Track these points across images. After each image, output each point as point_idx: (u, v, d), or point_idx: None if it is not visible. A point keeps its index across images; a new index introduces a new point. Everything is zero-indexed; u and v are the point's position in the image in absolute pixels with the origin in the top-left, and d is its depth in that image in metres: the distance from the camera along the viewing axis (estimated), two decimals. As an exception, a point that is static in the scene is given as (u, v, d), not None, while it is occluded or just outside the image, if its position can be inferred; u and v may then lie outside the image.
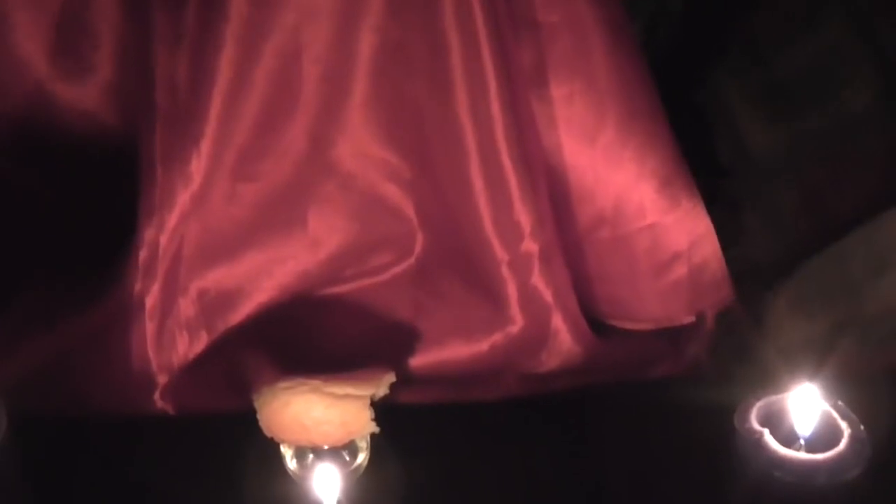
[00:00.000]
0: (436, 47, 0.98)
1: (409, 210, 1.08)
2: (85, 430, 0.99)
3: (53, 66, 1.10)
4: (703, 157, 1.16)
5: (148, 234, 1.00)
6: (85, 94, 1.11)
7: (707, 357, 1.08)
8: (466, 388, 1.06)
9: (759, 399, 0.86)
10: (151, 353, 1.02)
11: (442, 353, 1.06)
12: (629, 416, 1.03)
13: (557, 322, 1.05)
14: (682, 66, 1.28)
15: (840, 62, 1.18)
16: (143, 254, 1.01)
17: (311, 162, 1.03)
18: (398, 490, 0.93)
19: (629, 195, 1.07)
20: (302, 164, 1.03)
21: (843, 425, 0.84)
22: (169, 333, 1.03)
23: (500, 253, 1.03)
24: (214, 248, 1.04)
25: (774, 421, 0.85)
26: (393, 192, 1.07)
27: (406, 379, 1.03)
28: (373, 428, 0.93)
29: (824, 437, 0.84)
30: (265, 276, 1.06)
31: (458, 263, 1.08)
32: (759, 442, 0.82)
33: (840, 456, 0.81)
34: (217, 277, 1.04)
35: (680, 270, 1.09)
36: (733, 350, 1.08)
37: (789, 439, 0.84)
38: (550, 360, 1.06)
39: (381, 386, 0.96)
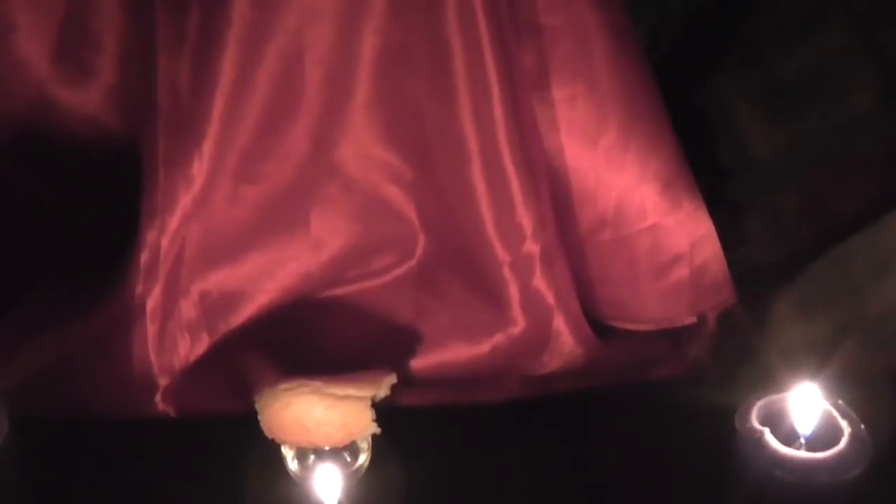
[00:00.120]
0: (438, 49, 0.98)
1: (411, 212, 1.08)
2: (86, 432, 0.99)
3: (56, 70, 1.10)
4: (703, 160, 1.16)
5: (149, 237, 1.01)
6: (87, 98, 1.12)
7: (709, 358, 1.08)
8: (468, 389, 1.06)
9: (759, 398, 0.86)
10: (153, 356, 1.02)
11: (443, 354, 1.06)
12: (631, 417, 1.03)
13: (559, 323, 1.05)
14: (683, 68, 1.28)
15: (841, 64, 1.18)
16: (144, 256, 1.01)
17: (314, 164, 1.04)
18: (399, 491, 0.93)
19: (631, 197, 1.07)
20: (304, 166, 1.03)
21: (844, 424, 0.84)
22: (170, 335, 1.03)
23: (502, 254, 1.03)
24: (216, 249, 1.04)
25: (775, 420, 0.85)
26: (395, 194, 1.07)
27: (407, 380, 1.03)
28: (374, 429, 0.93)
29: (825, 436, 0.84)
30: (267, 277, 1.06)
31: (460, 265, 1.08)
32: (759, 441, 0.82)
33: (841, 455, 0.81)
34: (219, 279, 1.04)
35: (681, 272, 1.08)
36: (735, 351, 1.08)
37: (790, 438, 0.84)
38: (552, 362, 1.06)
39: (383, 387, 0.96)
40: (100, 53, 1.10)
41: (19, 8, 1.08)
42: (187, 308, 1.03)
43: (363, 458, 0.94)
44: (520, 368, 1.07)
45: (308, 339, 1.07)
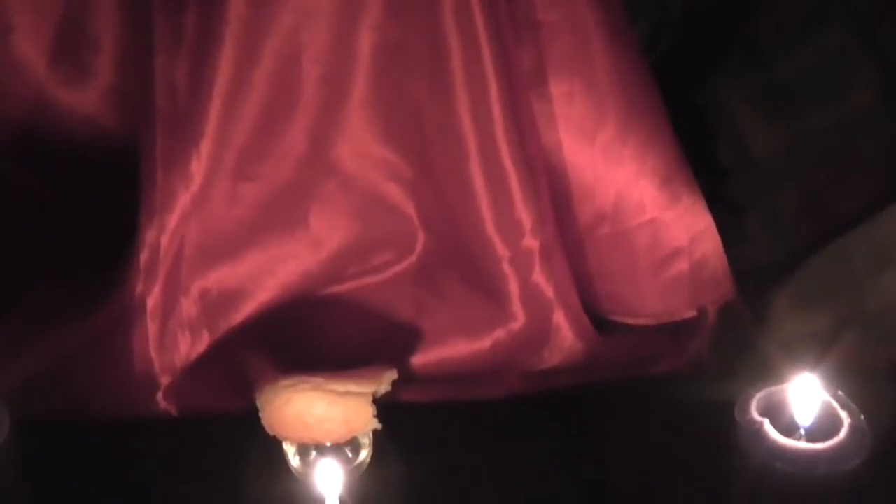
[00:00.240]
0: (436, 47, 0.98)
1: (410, 209, 1.08)
2: (86, 431, 0.99)
3: (54, 71, 1.11)
4: (703, 159, 1.16)
5: (149, 236, 1.01)
6: (85, 98, 1.12)
7: (709, 353, 1.08)
8: (468, 385, 1.06)
9: (759, 390, 0.86)
10: (154, 354, 1.02)
11: (444, 350, 1.06)
12: (631, 411, 1.03)
13: (559, 318, 1.05)
14: (682, 68, 1.28)
15: (841, 63, 1.18)
16: (144, 255, 1.01)
17: (312, 162, 1.04)
18: (401, 487, 0.93)
19: (629, 192, 1.07)
20: (302, 165, 1.04)
21: (844, 415, 0.83)
22: (171, 334, 1.03)
23: (501, 250, 1.03)
24: (216, 248, 1.04)
25: (775, 411, 0.85)
26: (394, 192, 1.07)
27: (408, 377, 1.03)
28: (375, 425, 0.93)
29: (825, 427, 0.84)
30: (267, 275, 1.06)
31: (459, 261, 1.08)
32: (759, 432, 0.82)
33: (840, 446, 0.81)
34: (219, 277, 1.05)
35: (681, 266, 1.09)
36: (735, 345, 1.08)
37: (790, 429, 0.84)
38: (552, 357, 1.07)
39: (383, 383, 0.96)
40: (98, 53, 1.10)
41: (17, 9, 1.08)
42: (188, 306, 1.03)
43: (364, 454, 0.95)
44: (520, 364, 1.07)
45: (308, 336, 1.07)
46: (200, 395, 1.03)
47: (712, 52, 1.30)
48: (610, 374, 1.07)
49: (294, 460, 0.94)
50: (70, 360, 1.02)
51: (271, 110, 1.00)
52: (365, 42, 0.99)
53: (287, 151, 1.03)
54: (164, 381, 1.03)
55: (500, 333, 1.06)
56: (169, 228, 1.01)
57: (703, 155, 1.19)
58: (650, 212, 1.07)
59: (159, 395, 1.03)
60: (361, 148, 1.05)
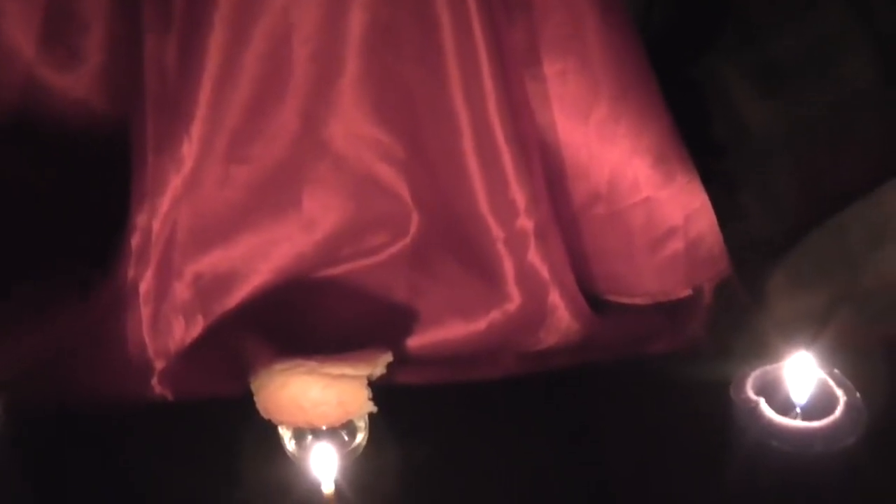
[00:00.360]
0: (427, 26, 0.98)
1: (404, 190, 1.08)
2: (81, 417, 0.99)
3: (43, 55, 1.10)
4: (698, 136, 1.16)
5: (140, 220, 1.00)
6: (75, 82, 1.12)
7: (705, 332, 1.08)
8: (464, 367, 1.05)
9: (754, 369, 0.86)
10: (147, 339, 1.02)
11: (439, 332, 1.06)
12: (627, 391, 1.02)
13: (555, 298, 1.05)
14: (676, 46, 1.27)
15: (835, 40, 1.18)
16: (135, 239, 1.01)
17: (304, 143, 1.03)
18: (397, 469, 0.93)
19: (623, 171, 1.07)
20: (294, 146, 1.03)
21: (839, 393, 0.84)
22: (165, 318, 1.03)
23: (496, 230, 1.03)
24: (208, 231, 1.04)
25: (770, 390, 0.85)
26: (386, 172, 1.07)
27: (403, 359, 1.03)
28: (370, 407, 0.93)
29: (820, 406, 0.84)
30: (261, 258, 1.06)
31: (454, 242, 1.08)
32: (754, 411, 0.82)
33: (836, 424, 0.81)
34: (212, 261, 1.04)
35: (676, 245, 1.08)
36: (731, 325, 1.08)
37: (785, 408, 0.84)
38: (549, 338, 1.06)
39: (378, 366, 0.96)
40: (87, 37, 1.10)
41: (5, -6, 1.08)
42: (181, 290, 1.03)
43: (361, 437, 0.94)
44: (516, 345, 1.07)
45: (303, 319, 1.07)
46: (195, 380, 1.03)
47: (705, 30, 1.29)
48: (606, 355, 1.06)
49: (290, 444, 0.94)
50: (63, 347, 1.02)
51: (262, 92, 1.00)
52: (355, 21, 0.99)
53: (278, 133, 1.02)
54: (159, 365, 1.02)
55: (495, 314, 1.06)
56: (161, 212, 1.00)
57: (698, 132, 1.19)
58: (645, 191, 1.07)
59: (154, 380, 1.02)
60: (353, 128, 1.04)
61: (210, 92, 0.97)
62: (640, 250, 1.09)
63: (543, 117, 1.06)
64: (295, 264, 1.07)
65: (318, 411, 0.92)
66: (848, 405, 0.82)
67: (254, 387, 0.95)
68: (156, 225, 1.01)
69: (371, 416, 0.94)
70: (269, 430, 0.95)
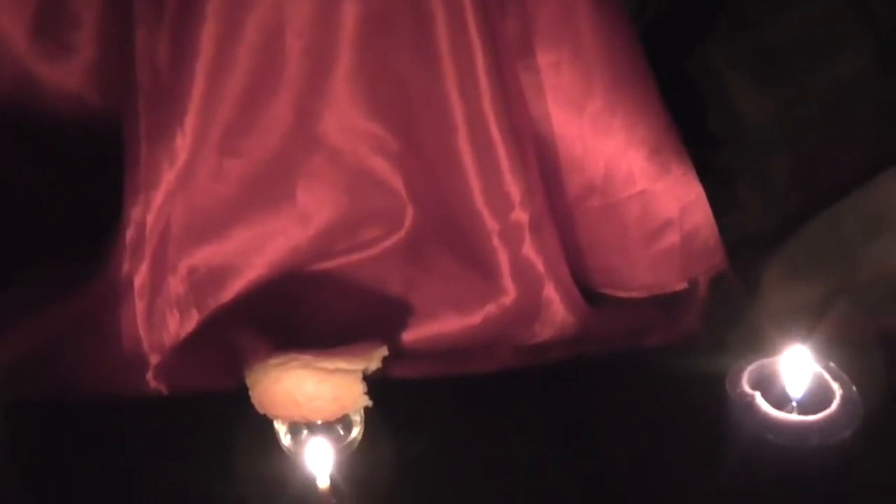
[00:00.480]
0: (420, 18, 0.97)
1: (398, 183, 1.08)
2: (75, 411, 0.99)
3: (35, 48, 1.10)
4: (693, 128, 1.15)
5: (134, 214, 1.00)
6: (68, 75, 1.11)
7: (700, 324, 1.08)
8: (460, 360, 1.05)
9: (750, 363, 0.86)
10: (142, 333, 1.02)
11: (434, 326, 1.06)
12: (623, 384, 1.02)
13: (550, 292, 1.05)
14: (670, 36, 1.27)
15: (830, 29, 1.18)
16: (129, 233, 1.00)
17: (298, 136, 1.03)
18: (392, 463, 0.93)
19: (618, 163, 1.07)
20: (288, 139, 1.03)
21: (835, 386, 0.84)
22: (159, 312, 1.02)
23: (491, 223, 1.03)
24: (202, 225, 1.03)
25: (766, 384, 0.85)
26: (381, 166, 1.07)
27: (399, 353, 1.03)
28: (365, 402, 0.92)
29: (816, 399, 0.84)
30: (255, 252, 1.05)
31: (449, 236, 1.07)
32: (750, 405, 0.82)
33: (832, 417, 0.81)
34: (206, 255, 1.04)
35: (671, 237, 1.08)
36: (727, 317, 1.08)
37: (781, 402, 0.84)
38: (544, 331, 1.06)
39: (373, 360, 0.96)
40: (78, 30, 1.10)
41: (-4, -12, 1.07)
42: (175, 284, 1.03)
43: (356, 432, 0.94)
44: (511, 338, 1.07)
45: (298, 313, 1.06)
46: (190, 374, 1.03)
47: (699, 19, 1.29)
48: (601, 348, 1.06)
49: (285, 439, 0.94)
50: (58, 340, 1.01)
51: (255, 85, 0.99)
52: (349, 14, 0.98)
53: (272, 126, 1.02)
54: (154, 359, 1.02)
55: (490, 308, 1.05)
56: (154, 206, 1.00)
57: (693, 124, 1.19)
58: (640, 183, 1.07)
59: (149, 374, 1.02)
60: (347, 122, 1.04)
61: (203, 85, 0.97)
62: (635, 243, 1.09)
63: (537, 109, 1.06)
64: (289, 258, 1.07)
65: (313, 406, 0.92)
66: (844, 398, 0.83)
67: (249, 381, 0.95)
68: (150, 218, 1.00)
69: (366, 410, 0.94)
70: (264, 425, 0.94)
